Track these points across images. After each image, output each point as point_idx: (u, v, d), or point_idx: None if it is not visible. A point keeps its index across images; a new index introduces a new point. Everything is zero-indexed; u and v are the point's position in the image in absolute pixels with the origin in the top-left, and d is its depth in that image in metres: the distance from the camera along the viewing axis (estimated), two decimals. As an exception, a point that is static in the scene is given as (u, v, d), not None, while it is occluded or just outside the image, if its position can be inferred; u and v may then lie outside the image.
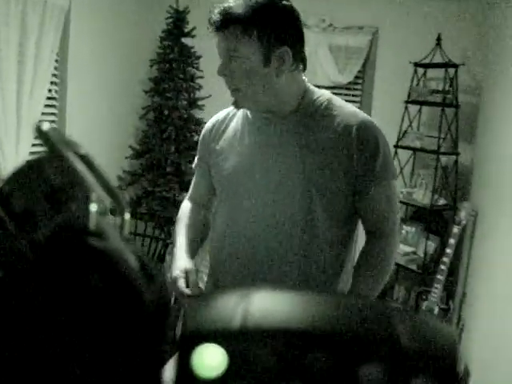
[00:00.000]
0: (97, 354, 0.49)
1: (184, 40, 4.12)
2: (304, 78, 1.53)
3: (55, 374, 0.49)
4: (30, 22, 3.01)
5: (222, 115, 1.67)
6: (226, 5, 1.39)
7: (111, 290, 0.50)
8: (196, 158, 1.75)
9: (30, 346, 0.48)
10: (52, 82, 3.35)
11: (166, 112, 4.13)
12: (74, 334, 0.48)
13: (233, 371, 0.49)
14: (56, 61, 3.35)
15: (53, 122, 3.49)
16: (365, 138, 1.43)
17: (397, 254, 1.62)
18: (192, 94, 4.22)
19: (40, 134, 0.53)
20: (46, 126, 0.53)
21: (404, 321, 0.48)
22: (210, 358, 0.48)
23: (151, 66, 4.22)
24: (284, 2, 1.41)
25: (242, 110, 1.58)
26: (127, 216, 0.54)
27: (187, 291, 1.47)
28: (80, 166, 0.53)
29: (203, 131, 1.72)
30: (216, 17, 1.38)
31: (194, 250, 1.66)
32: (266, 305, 0.51)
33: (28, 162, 0.54)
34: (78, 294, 0.49)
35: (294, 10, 1.43)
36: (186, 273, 1.52)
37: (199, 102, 4.20)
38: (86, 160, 0.55)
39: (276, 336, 0.48)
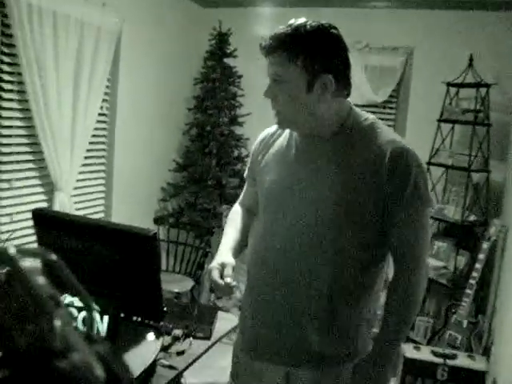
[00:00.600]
0: None
1: (226, 60, 4.36)
2: (349, 101, 1.54)
3: None
4: (86, 46, 3.29)
5: (273, 130, 1.71)
6: (276, 30, 1.43)
7: None
8: (247, 168, 1.82)
9: None
10: (103, 100, 3.62)
11: (208, 128, 4.35)
12: None
13: None
14: (108, 80, 3.62)
15: (103, 136, 3.76)
16: (396, 165, 1.42)
17: (424, 286, 1.54)
18: (233, 112, 4.43)
19: (3, 254, 0.57)
20: (9, 249, 0.57)
21: None
22: None
23: (195, 85, 4.47)
24: (332, 31, 1.44)
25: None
26: (96, 315, 0.68)
27: (220, 282, 1.54)
28: (42, 280, 0.58)
29: (255, 143, 1.77)
30: (266, 42, 1.43)
31: (237, 250, 1.71)
32: None
33: None
34: None
35: (341, 38, 1.46)
36: (223, 265, 1.59)
37: (240, 119, 4.41)
38: (55, 266, 0.60)
39: None
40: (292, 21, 1.44)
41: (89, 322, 0.62)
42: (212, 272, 1.58)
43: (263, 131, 1.76)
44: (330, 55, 1.42)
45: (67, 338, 0.55)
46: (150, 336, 1.65)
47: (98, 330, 1.41)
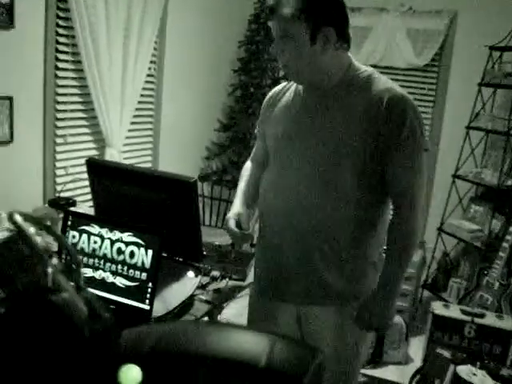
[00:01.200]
0: (52, 376, 0.66)
1: (270, 23, 4.43)
2: (349, 54, 1.67)
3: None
4: (135, 8, 3.44)
5: (280, 87, 1.86)
6: None
7: (60, 329, 0.68)
8: (257, 125, 1.97)
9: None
10: (151, 61, 3.79)
11: (252, 89, 4.48)
12: (34, 359, 0.66)
13: (146, 382, 0.65)
14: (155, 42, 3.77)
15: (151, 96, 3.94)
16: (393, 111, 1.55)
17: (421, 223, 1.67)
18: (276, 74, 4.53)
19: (10, 220, 0.72)
20: (15, 215, 0.73)
21: (268, 351, 0.63)
22: (130, 374, 0.65)
23: (239, 47, 4.57)
24: None
25: (295, 84, 1.77)
26: (83, 269, 0.80)
27: (236, 230, 1.72)
28: (39, 238, 0.73)
29: (264, 102, 1.91)
30: (269, 2, 1.58)
31: (249, 199, 1.88)
32: (173, 333, 0.70)
33: (2, 239, 0.75)
34: (39, 331, 0.67)
35: None
36: (238, 215, 1.77)
37: (282, 81, 4.49)
38: (49, 230, 0.78)
39: (172, 357, 0.65)
40: None
41: (77, 274, 0.75)
42: (228, 222, 1.75)
43: (271, 91, 1.91)
44: (329, 9, 1.56)
45: (58, 282, 0.70)
46: (190, 273, 1.84)
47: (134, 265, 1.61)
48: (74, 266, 0.75)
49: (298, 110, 1.72)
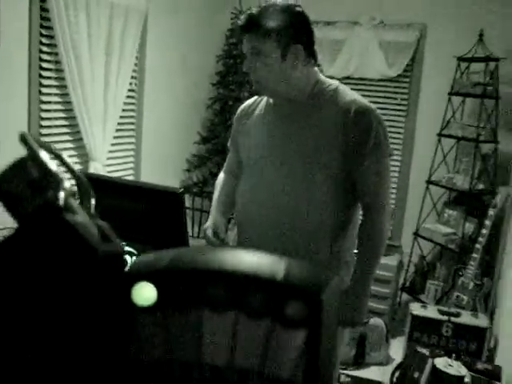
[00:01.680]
0: (65, 294, 0.64)
1: (240, 35, 4.56)
2: (316, 69, 1.79)
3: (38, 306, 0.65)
4: (115, 24, 3.53)
5: (251, 101, 1.96)
6: (249, 11, 1.69)
7: (73, 248, 0.66)
8: (230, 138, 2.06)
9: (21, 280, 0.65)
10: (132, 76, 3.87)
11: (230, 102, 4.58)
12: (49, 276, 0.64)
13: (161, 300, 0.63)
14: (136, 57, 3.86)
15: (133, 110, 4.02)
16: (360, 121, 1.67)
17: (389, 224, 1.82)
18: (253, 86, 4.65)
19: (22, 140, 0.70)
20: (27, 136, 0.71)
21: (287, 267, 0.62)
22: (144, 292, 0.64)
23: (217, 62, 4.69)
24: (297, 9, 1.70)
25: (265, 98, 1.87)
26: (93, 199, 0.75)
27: (214, 239, 1.80)
28: (51, 162, 0.70)
29: (235, 116, 2.01)
30: (242, 22, 1.69)
31: (225, 209, 1.96)
32: (188, 254, 0.67)
33: (13, 161, 0.72)
34: (51, 250, 0.65)
35: (305, 14, 1.71)
36: (215, 225, 1.85)
37: (259, 94, 4.63)
38: (59, 157, 0.75)
39: (188, 274, 0.63)
40: (263, 2, 1.70)
41: (87, 201, 0.74)
42: (206, 231, 1.84)
43: (241, 105, 2.01)
44: (297, 29, 1.68)
45: (70, 204, 0.69)
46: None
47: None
48: (84, 193, 0.74)
49: (271, 123, 1.82)
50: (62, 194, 0.69)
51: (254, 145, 1.85)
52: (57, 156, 0.75)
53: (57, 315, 0.65)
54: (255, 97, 1.96)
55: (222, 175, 2.12)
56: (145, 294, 0.63)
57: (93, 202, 0.74)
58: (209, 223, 1.89)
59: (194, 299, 0.61)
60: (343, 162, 1.70)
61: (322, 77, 1.80)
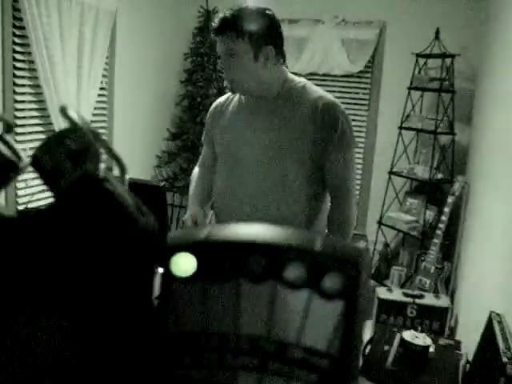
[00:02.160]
0: (105, 263, 0.65)
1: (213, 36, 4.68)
2: (285, 68, 1.91)
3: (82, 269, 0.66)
4: (87, 25, 3.60)
5: (223, 99, 2.06)
6: (221, 14, 1.78)
7: (116, 217, 0.67)
8: (204, 133, 2.15)
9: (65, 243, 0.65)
10: (103, 75, 3.94)
11: (199, 99, 4.69)
12: (91, 244, 0.65)
13: (200, 271, 0.63)
14: (106, 57, 3.93)
15: (103, 108, 4.08)
16: (327, 116, 1.80)
17: (355, 209, 1.95)
18: (221, 83, 4.76)
19: (64, 113, 0.71)
20: (69, 109, 0.70)
21: (321, 239, 0.61)
22: (183, 263, 0.63)
23: (185, 59, 4.78)
24: (267, 12, 1.81)
25: (238, 96, 1.98)
26: (127, 176, 0.75)
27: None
28: (91, 137, 0.72)
29: (209, 112, 2.10)
30: (215, 24, 1.79)
31: (202, 201, 2.07)
32: (223, 228, 0.67)
33: (54, 133, 0.73)
34: (94, 218, 0.66)
35: (275, 17, 1.82)
36: (194, 216, 1.94)
37: (227, 90, 4.73)
38: (95, 133, 0.76)
39: (227, 245, 0.62)
40: (235, 6, 1.80)
41: (123, 178, 0.75)
42: (186, 222, 1.93)
43: (214, 102, 2.11)
44: (269, 31, 1.80)
45: (109, 177, 0.71)
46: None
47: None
48: (120, 168, 0.74)
49: (244, 119, 1.93)
50: (102, 166, 0.70)
51: (229, 140, 1.95)
52: (91, 131, 0.74)
53: (96, 286, 0.66)
54: (228, 94, 2.06)
55: (196, 169, 2.21)
56: (184, 264, 0.62)
57: (127, 177, 0.74)
58: (187, 215, 1.98)
59: (232, 270, 0.60)
60: (313, 153, 1.83)
61: (290, 75, 1.93)
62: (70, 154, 0.69)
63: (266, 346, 0.61)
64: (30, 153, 0.78)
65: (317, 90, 1.89)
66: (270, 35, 1.81)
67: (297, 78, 1.94)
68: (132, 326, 0.68)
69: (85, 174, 0.69)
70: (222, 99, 2.08)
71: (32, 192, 3.26)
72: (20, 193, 3.31)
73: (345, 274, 0.58)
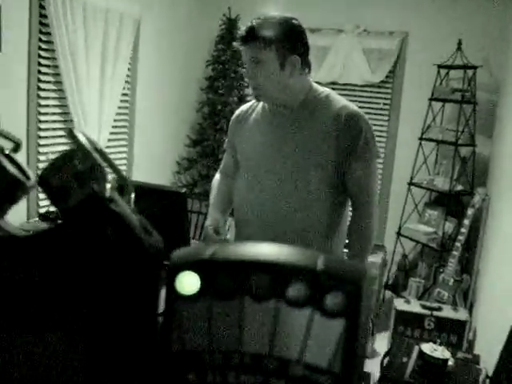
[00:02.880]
0: (111, 282, 0.65)
1: (235, 44, 4.71)
2: (309, 78, 1.92)
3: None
4: (111, 32, 3.65)
5: (246, 107, 2.06)
6: (249, 24, 1.78)
7: (121, 238, 0.66)
8: (226, 140, 2.15)
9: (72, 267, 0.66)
10: (126, 81, 3.99)
11: (219, 107, 4.72)
12: (95, 266, 0.65)
13: (204, 289, 0.63)
14: (129, 64, 3.98)
15: (126, 114, 4.13)
16: (350, 125, 1.81)
17: (376, 220, 1.92)
18: (241, 91, 4.79)
19: (70, 135, 0.70)
20: (75, 131, 0.70)
21: (324, 258, 0.62)
22: (187, 281, 0.63)
23: (207, 67, 4.82)
24: (293, 21, 1.82)
25: (261, 104, 1.97)
26: (133, 194, 0.73)
27: (215, 237, 1.88)
28: (98, 157, 0.70)
29: (232, 119, 2.10)
30: (243, 33, 1.80)
31: (223, 208, 2.06)
32: (229, 247, 0.68)
33: (60, 154, 0.71)
34: (98, 240, 0.66)
35: (301, 26, 1.83)
36: (216, 223, 1.93)
37: (248, 98, 4.76)
38: (101, 153, 0.75)
39: (231, 264, 0.63)
40: (261, 16, 1.82)
41: (128, 197, 0.74)
42: (206, 230, 1.93)
43: (237, 110, 2.11)
44: (294, 40, 1.81)
45: (114, 197, 0.70)
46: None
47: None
48: (125, 187, 0.75)
49: (268, 127, 1.93)
50: (107, 186, 0.70)
51: (251, 148, 1.96)
52: (98, 151, 0.76)
53: (101, 303, 0.67)
54: (251, 102, 2.07)
55: (218, 176, 2.21)
56: (188, 283, 0.63)
57: (132, 196, 0.75)
58: (209, 222, 1.97)
59: (236, 289, 0.62)
60: (335, 163, 1.83)
61: (314, 84, 1.93)
62: (77, 173, 0.70)
63: (268, 364, 0.63)
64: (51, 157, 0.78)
65: (340, 100, 1.90)
66: (296, 45, 1.81)
67: (320, 88, 1.94)
68: (136, 342, 0.69)
69: (91, 194, 0.70)
70: (245, 107, 2.08)
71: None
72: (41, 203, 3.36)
73: (346, 292, 0.60)
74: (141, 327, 0.69)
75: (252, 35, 1.78)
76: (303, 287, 0.60)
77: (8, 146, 0.80)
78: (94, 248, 0.67)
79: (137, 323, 0.68)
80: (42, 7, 3.15)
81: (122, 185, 0.77)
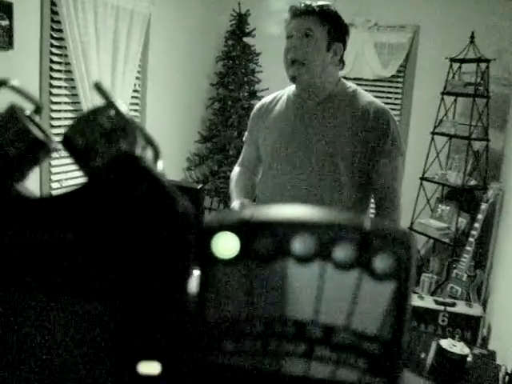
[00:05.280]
0: (142, 244, 0.61)
1: (245, 39, 4.70)
2: (339, 73, 1.93)
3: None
4: (121, 28, 3.65)
5: (270, 98, 2.04)
6: (307, 2, 1.83)
7: (155, 197, 0.62)
8: (246, 132, 2.11)
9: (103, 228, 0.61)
10: (136, 77, 3.98)
11: (230, 102, 4.71)
12: (128, 224, 0.61)
13: (243, 252, 0.58)
14: (139, 59, 3.97)
15: (136, 110, 4.13)
16: (379, 121, 1.80)
17: (400, 212, 1.89)
18: (252, 87, 4.78)
19: (98, 89, 0.65)
20: (101, 84, 0.65)
21: (369, 219, 0.58)
22: (225, 244, 0.58)
23: (217, 62, 4.81)
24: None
25: (286, 95, 1.97)
26: (161, 162, 0.67)
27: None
28: (127, 114, 0.65)
29: (253, 111, 2.08)
30: (300, 6, 1.82)
31: (246, 197, 1.98)
32: (266, 208, 0.62)
33: (85, 112, 0.67)
34: (131, 196, 0.61)
35: (346, 24, 1.90)
36: (242, 204, 1.86)
37: (258, 94, 4.75)
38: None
39: (272, 225, 0.58)
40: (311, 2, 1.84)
41: (157, 162, 0.68)
42: (234, 208, 1.86)
43: (259, 101, 2.10)
44: (342, 30, 1.87)
45: (146, 158, 0.65)
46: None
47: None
48: (154, 151, 0.69)
49: (293, 119, 1.92)
50: (139, 143, 0.65)
51: (278, 141, 1.93)
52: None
53: (132, 268, 0.62)
54: (274, 94, 2.05)
55: (237, 169, 2.18)
56: (226, 245, 0.58)
57: (161, 162, 0.68)
58: (235, 203, 1.91)
59: (278, 251, 0.57)
60: (362, 157, 1.82)
61: (342, 79, 1.94)
62: (105, 132, 0.65)
63: (313, 331, 0.58)
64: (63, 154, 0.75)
65: (367, 95, 1.90)
66: (342, 35, 1.87)
67: (348, 83, 1.94)
68: (169, 309, 0.64)
69: (120, 153, 0.64)
70: (267, 99, 2.06)
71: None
72: (53, 177, 3.36)
73: (397, 254, 0.55)
74: (173, 295, 0.63)
75: (310, 9, 1.82)
76: (351, 248, 0.56)
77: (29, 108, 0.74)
78: (125, 207, 0.62)
79: (169, 291, 0.63)
80: (53, 4, 3.15)
81: (151, 149, 0.70)
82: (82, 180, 0.66)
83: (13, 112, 0.70)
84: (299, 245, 0.56)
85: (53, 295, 0.64)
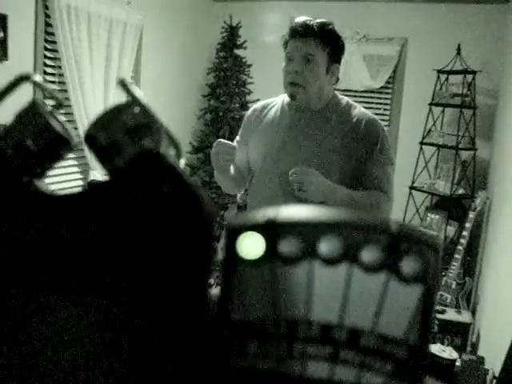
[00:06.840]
0: (166, 241, 0.60)
1: (236, 51, 4.76)
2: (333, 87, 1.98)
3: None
4: (114, 40, 3.69)
5: (261, 105, 2.06)
6: (306, 20, 1.81)
7: (179, 195, 0.60)
8: (237, 136, 2.11)
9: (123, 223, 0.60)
10: (129, 89, 4.02)
11: (221, 113, 4.76)
12: (152, 221, 0.60)
13: (268, 253, 0.57)
14: (132, 71, 4.02)
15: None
16: (370, 131, 1.86)
17: (392, 208, 1.98)
18: (243, 98, 4.83)
19: (123, 86, 0.63)
20: (125, 80, 0.64)
21: (396, 222, 0.57)
22: (250, 244, 0.57)
23: (208, 74, 4.86)
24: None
25: (280, 103, 1.99)
26: (183, 160, 0.67)
27: (223, 141, 1.84)
28: (152, 111, 0.64)
29: (246, 116, 2.09)
30: (300, 27, 1.81)
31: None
32: (291, 209, 0.62)
33: (109, 109, 0.65)
34: (156, 194, 0.60)
35: (344, 43, 1.90)
36: (218, 142, 1.87)
37: (249, 105, 4.80)
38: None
39: (298, 226, 0.57)
40: (308, 17, 1.84)
41: (177, 156, 0.68)
42: (215, 149, 1.88)
43: (251, 108, 2.11)
44: (341, 51, 1.90)
45: (169, 155, 0.64)
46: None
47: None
48: (176, 149, 0.69)
49: (286, 127, 1.95)
50: (163, 141, 0.64)
51: (269, 147, 1.96)
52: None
53: (155, 267, 0.62)
54: (265, 101, 2.08)
55: None
56: (251, 246, 0.57)
57: (183, 161, 0.68)
58: (214, 149, 1.92)
59: (304, 252, 0.56)
60: (353, 166, 1.87)
61: (336, 93, 1.99)
62: (128, 129, 0.64)
63: (338, 334, 0.57)
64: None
65: (359, 108, 1.95)
66: (340, 55, 1.90)
67: (341, 96, 1.99)
68: (190, 311, 0.63)
69: (144, 150, 0.63)
70: (259, 105, 2.09)
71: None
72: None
73: (425, 257, 0.54)
74: (194, 294, 0.62)
75: (312, 31, 1.80)
76: (378, 250, 0.55)
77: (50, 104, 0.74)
78: (149, 204, 0.61)
79: (190, 290, 0.62)
80: (47, 16, 3.19)
81: (173, 147, 0.70)
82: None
83: (35, 107, 0.69)
84: (326, 246, 0.56)
85: (70, 293, 0.63)
